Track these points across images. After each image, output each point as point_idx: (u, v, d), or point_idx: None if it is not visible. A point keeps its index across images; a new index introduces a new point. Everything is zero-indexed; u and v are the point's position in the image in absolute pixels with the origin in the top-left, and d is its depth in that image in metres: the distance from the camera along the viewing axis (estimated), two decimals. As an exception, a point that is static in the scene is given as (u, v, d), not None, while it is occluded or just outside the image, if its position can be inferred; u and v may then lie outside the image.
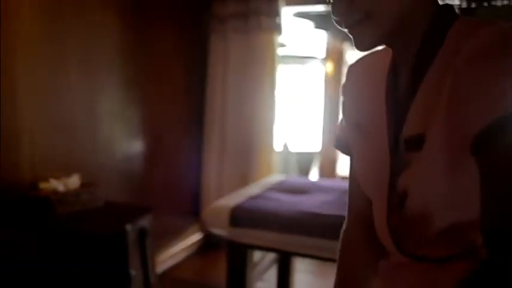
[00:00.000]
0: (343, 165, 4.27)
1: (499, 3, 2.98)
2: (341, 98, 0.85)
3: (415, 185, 0.67)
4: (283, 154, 4.86)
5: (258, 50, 3.36)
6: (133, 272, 1.85)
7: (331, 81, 4.19)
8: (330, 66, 4.19)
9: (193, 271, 3.21)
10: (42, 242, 1.84)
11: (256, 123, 3.41)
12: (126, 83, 2.70)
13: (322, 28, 4.03)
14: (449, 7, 0.66)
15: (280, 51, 3.49)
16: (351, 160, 0.85)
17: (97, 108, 2.46)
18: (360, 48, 0.66)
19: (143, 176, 2.90)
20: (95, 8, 2.41)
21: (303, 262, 3.10)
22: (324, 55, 4.32)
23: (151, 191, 2.96)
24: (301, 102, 5.45)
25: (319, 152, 4.45)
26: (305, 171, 5.12)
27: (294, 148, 5.15)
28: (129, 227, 1.85)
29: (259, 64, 3.37)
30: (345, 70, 3.93)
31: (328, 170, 4.24)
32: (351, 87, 0.82)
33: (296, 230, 2.04)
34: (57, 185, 1.95)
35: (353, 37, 0.65)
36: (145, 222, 1.99)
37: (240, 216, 2.12)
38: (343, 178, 3.90)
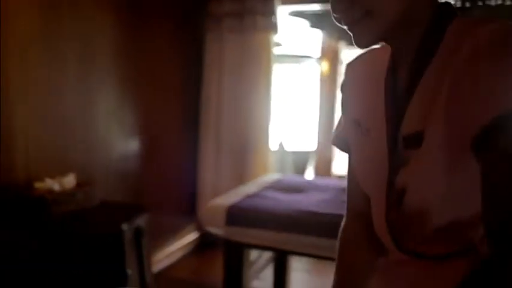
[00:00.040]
0: (338, 164, 4.28)
1: (493, 3, 2.99)
2: (340, 95, 0.85)
3: (414, 182, 0.67)
4: (278, 153, 4.86)
5: (254, 49, 3.36)
6: (129, 272, 1.85)
7: (327, 80, 4.20)
8: (325, 66, 4.19)
9: (190, 270, 3.21)
10: (38, 241, 1.83)
11: (252, 122, 3.40)
12: (122, 82, 2.69)
13: (317, 27, 4.03)
14: (448, 5, 0.67)
15: (275, 51, 3.49)
16: (350, 157, 0.85)
17: (92, 107, 2.45)
18: (360, 45, 0.66)
19: (139, 175, 2.89)
20: (90, 7, 2.40)
21: (299, 261, 3.10)
22: (319, 54, 4.32)
23: (147, 191, 2.96)
24: (297, 102, 5.45)
25: (315, 151, 4.46)
26: (301, 171, 5.13)
27: (289, 147, 5.15)
28: (125, 227, 1.84)
29: (255, 63, 3.36)
30: (340, 69, 3.93)
31: (323, 169, 4.24)
32: (350, 85, 0.82)
33: (293, 228, 2.04)
34: (53, 184, 1.94)
35: (353, 34, 0.66)
36: (141, 221, 1.99)
37: (236, 215, 2.12)
38: (339, 177, 3.91)
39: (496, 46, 0.55)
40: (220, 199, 2.32)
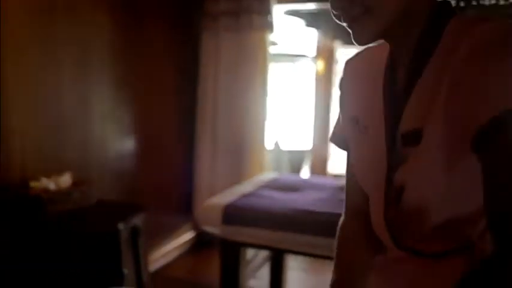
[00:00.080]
0: (334, 163, 4.29)
1: (486, 3, 3.00)
2: (337, 93, 0.85)
3: (412, 179, 0.67)
4: (274, 152, 4.86)
5: (250, 48, 3.35)
6: (125, 271, 1.84)
7: (322, 79, 4.21)
8: (320, 65, 4.21)
9: (186, 269, 3.20)
10: (34, 241, 1.82)
11: (248, 122, 3.41)
12: (118, 81, 2.68)
13: (313, 26, 4.04)
14: (447, 4, 0.67)
15: (271, 50, 3.49)
16: (348, 155, 0.85)
17: (88, 106, 2.44)
18: (359, 42, 0.66)
19: (135, 174, 2.88)
20: (85, 8, 2.39)
21: (295, 259, 3.11)
22: (314, 53, 4.33)
23: (144, 190, 2.95)
24: (292, 101, 5.46)
25: (310, 150, 4.47)
26: (296, 170, 5.14)
27: (285, 146, 5.16)
28: (121, 226, 1.84)
29: (251, 62, 3.36)
30: (335, 68, 3.94)
31: (319, 168, 4.26)
32: (348, 82, 0.82)
33: (289, 227, 2.04)
34: (48, 183, 1.93)
35: (352, 32, 0.66)
36: (137, 220, 1.98)
37: (232, 214, 2.11)
38: (335, 176, 3.92)
39: (494, 46, 0.56)
40: (216, 198, 2.32)
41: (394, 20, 0.64)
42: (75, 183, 2.06)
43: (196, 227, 3.41)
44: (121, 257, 1.82)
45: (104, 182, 2.50)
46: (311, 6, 3.51)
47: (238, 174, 3.36)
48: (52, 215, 1.84)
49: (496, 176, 0.56)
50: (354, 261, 0.85)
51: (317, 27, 4.04)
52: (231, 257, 2.17)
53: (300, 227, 2.03)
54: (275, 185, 2.62)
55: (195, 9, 3.45)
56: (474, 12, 2.94)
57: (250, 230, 2.09)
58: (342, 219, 0.90)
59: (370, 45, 0.70)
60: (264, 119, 3.43)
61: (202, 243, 3.45)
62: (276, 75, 4.58)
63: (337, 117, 0.87)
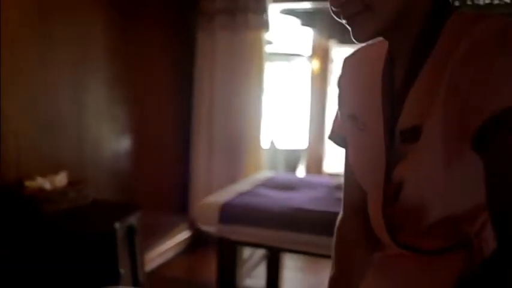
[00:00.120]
0: (329, 162, 4.29)
1: (481, 2, 3.02)
2: (334, 91, 0.85)
3: (411, 176, 0.67)
4: (270, 151, 4.86)
5: (246, 47, 3.35)
6: (122, 270, 1.84)
7: (317, 78, 4.21)
8: (316, 64, 4.20)
9: (182, 269, 3.20)
10: (30, 240, 1.81)
11: (244, 121, 3.41)
12: (113, 80, 2.67)
13: (308, 25, 4.04)
14: (445, 1, 0.67)
15: (266, 49, 3.49)
16: (346, 152, 0.85)
17: (84, 106, 2.43)
18: (358, 39, 0.66)
19: (131, 174, 2.87)
20: (81, 8, 2.38)
21: (292, 259, 3.11)
22: (310, 52, 4.33)
23: (140, 189, 2.94)
24: (288, 100, 5.45)
25: (306, 149, 4.47)
26: (292, 169, 5.14)
27: (281, 145, 5.16)
28: (117, 225, 1.83)
29: (247, 61, 3.36)
30: (331, 67, 3.94)
31: (314, 167, 4.26)
32: (347, 79, 0.82)
33: (286, 226, 2.04)
34: (44, 183, 1.92)
35: (351, 29, 0.66)
36: (133, 220, 1.98)
37: (229, 213, 2.11)
38: (330, 175, 3.93)
39: (492, 43, 0.56)
40: (213, 197, 2.32)
41: (393, 16, 0.64)
42: (71, 183, 2.05)
43: (192, 226, 3.41)
44: (117, 256, 1.82)
45: (99, 181, 2.49)
46: (306, 5, 3.52)
47: (234, 173, 3.36)
48: (48, 215, 1.84)
49: (496, 175, 0.56)
50: (352, 258, 0.85)
51: (312, 26, 4.04)
52: (227, 255, 2.17)
53: (296, 226, 2.03)
54: (271, 184, 2.62)
55: (191, 8, 3.44)
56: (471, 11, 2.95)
57: (246, 229, 2.09)
58: (340, 216, 0.90)
59: (368, 42, 0.70)
60: (259, 118, 3.43)
61: (198, 242, 3.44)
62: (272, 74, 4.58)
63: (335, 114, 0.87)
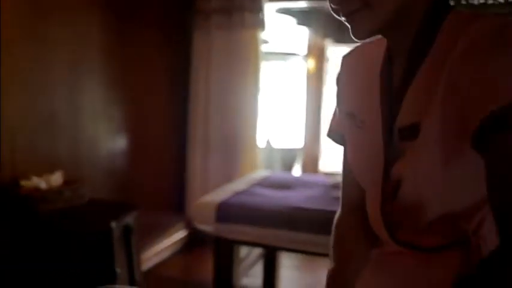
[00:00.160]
0: (325, 161, 4.30)
1: (475, 2, 3.03)
2: (335, 88, 0.85)
3: (409, 174, 0.67)
4: (266, 150, 4.87)
5: (242, 46, 3.35)
6: (118, 270, 1.83)
7: (313, 77, 4.21)
8: (311, 63, 4.21)
9: (179, 268, 3.20)
10: (25, 240, 1.80)
11: (240, 120, 3.41)
12: (109, 80, 2.66)
13: (304, 24, 4.05)
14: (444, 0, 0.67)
15: (262, 48, 3.49)
16: (344, 150, 0.85)
17: (80, 106, 2.43)
18: (357, 37, 0.66)
19: (127, 173, 2.87)
20: (76, 7, 2.37)
21: (288, 257, 3.12)
22: (305, 52, 4.34)
23: (136, 188, 2.93)
24: (284, 99, 5.46)
25: (302, 148, 4.47)
26: (288, 168, 5.14)
27: (277, 144, 5.16)
28: (113, 224, 1.82)
29: (243, 60, 3.36)
30: (326, 66, 3.94)
31: (310, 166, 4.26)
32: (345, 77, 0.82)
33: (282, 224, 2.05)
34: (40, 182, 1.91)
35: (350, 26, 0.66)
36: (130, 219, 1.97)
37: (226, 212, 2.11)
38: (326, 174, 3.93)
39: (490, 42, 0.56)
40: (209, 196, 2.32)
41: (392, 13, 0.64)
42: (67, 182, 2.04)
43: (188, 225, 3.40)
44: (113, 255, 1.81)
45: (95, 180, 2.49)
46: (302, 4, 3.52)
47: (230, 173, 3.36)
48: (43, 214, 1.83)
49: (496, 175, 0.56)
50: (351, 255, 0.85)
51: (308, 26, 4.04)
52: (224, 254, 2.17)
53: (292, 224, 2.03)
54: (267, 183, 2.62)
55: (187, 7, 3.44)
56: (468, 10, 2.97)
57: (243, 228, 2.09)
58: (338, 214, 0.90)
59: (367, 40, 0.70)
60: (255, 117, 3.43)
61: (194, 241, 3.44)
62: (267, 73, 4.58)
63: (333, 112, 0.87)
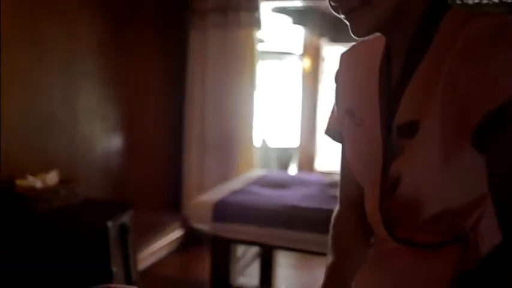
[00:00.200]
0: (321, 160, 4.31)
1: (470, 2, 3.05)
2: (334, 85, 0.85)
3: (408, 171, 0.67)
4: (262, 149, 4.87)
5: (238, 45, 3.35)
6: (114, 269, 1.83)
7: (309, 76, 4.22)
8: (307, 62, 4.22)
9: (175, 268, 3.19)
10: (20, 239, 1.79)
11: (235, 119, 3.41)
12: (105, 79, 2.66)
13: (299, 24, 4.05)
14: None
15: (258, 47, 3.49)
16: (343, 147, 0.85)
17: (75, 104, 2.42)
18: (356, 34, 0.66)
19: (123, 172, 2.86)
20: (72, 7, 2.36)
21: (285, 256, 3.12)
22: (301, 51, 4.34)
23: (132, 188, 2.93)
24: (280, 98, 5.46)
25: (298, 147, 4.48)
26: (284, 167, 5.15)
27: (272, 143, 5.17)
28: (110, 224, 1.82)
29: (239, 60, 3.36)
30: (322, 66, 3.96)
31: (306, 165, 4.27)
32: (344, 74, 0.82)
33: (279, 223, 2.05)
34: (35, 181, 1.90)
35: (350, 24, 0.66)
36: (126, 218, 1.96)
37: (223, 211, 2.11)
38: (322, 173, 3.94)
39: (489, 39, 0.56)
40: (206, 195, 2.32)
41: (392, 11, 0.65)
42: (62, 181, 2.03)
43: (185, 224, 3.40)
44: (110, 255, 1.80)
45: (91, 179, 2.48)
46: (298, 3, 3.52)
47: (226, 172, 3.36)
48: (39, 213, 1.82)
49: (496, 174, 0.57)
50: (350, 251, 0.85)
51: (304, 25, 4.05)
52: (221, 253, 2.17)
53: (289, 223, 2.04)
54: (264, 182, 2.62)
55: (183, 6, 3.43)
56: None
57: (240, 227, 2.09)
58: (336, 212, 0.89)
59: (365, 38, 0.70)
60: (251, 116, 3.44)
61: (191, 241, 3.44)
62: (263, 72, 4.59)
63: (331, 109, 0.87)
